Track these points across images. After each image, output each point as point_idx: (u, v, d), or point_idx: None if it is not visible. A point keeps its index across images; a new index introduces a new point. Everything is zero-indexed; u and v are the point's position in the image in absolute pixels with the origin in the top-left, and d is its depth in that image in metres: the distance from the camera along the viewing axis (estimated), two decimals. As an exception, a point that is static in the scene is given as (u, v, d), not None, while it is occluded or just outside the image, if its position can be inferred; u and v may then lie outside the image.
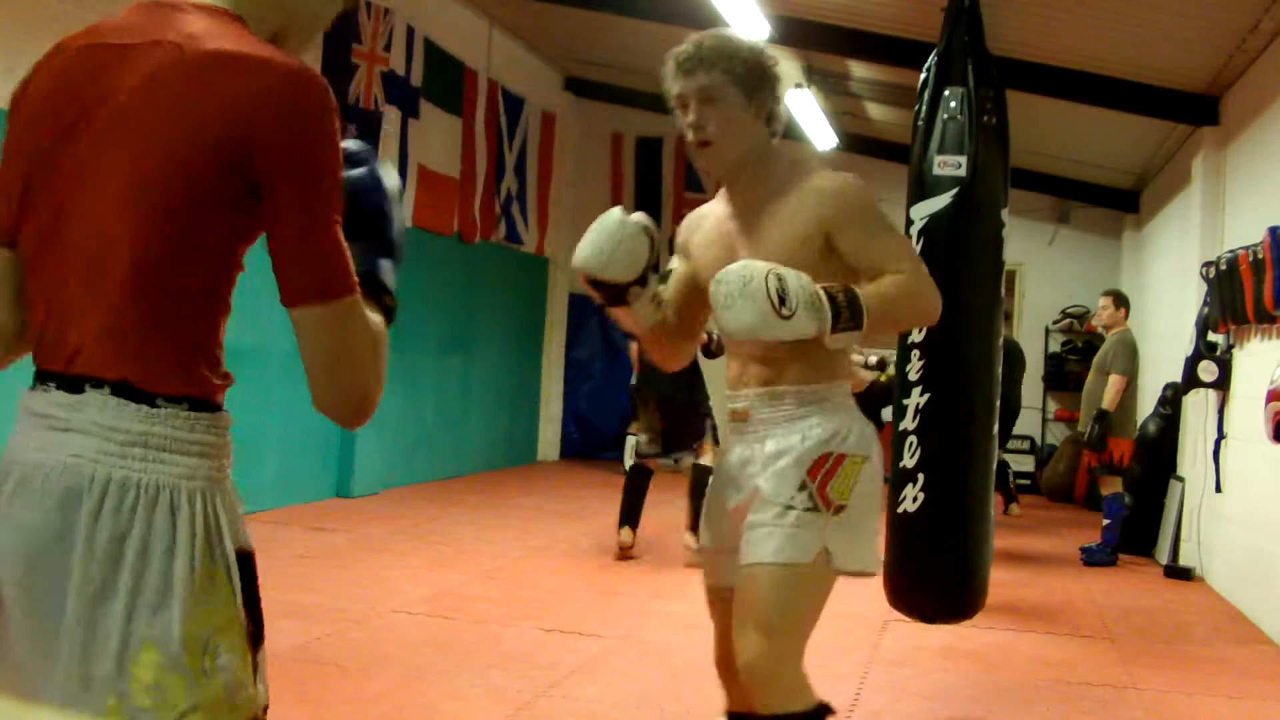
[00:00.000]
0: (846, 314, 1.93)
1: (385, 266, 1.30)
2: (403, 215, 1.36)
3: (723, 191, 2.21)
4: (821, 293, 1.92)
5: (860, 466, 2.09)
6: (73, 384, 1.17)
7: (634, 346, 6.00)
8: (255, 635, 1.21)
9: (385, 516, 6.93)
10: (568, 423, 11.19)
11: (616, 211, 2.10)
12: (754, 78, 2.08)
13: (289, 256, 1.15)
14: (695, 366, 5.73)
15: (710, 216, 2.26)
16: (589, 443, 11.04)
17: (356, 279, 1.18)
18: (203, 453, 1.19)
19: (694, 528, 5.60)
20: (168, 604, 1.13)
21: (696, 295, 2.23)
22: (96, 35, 1.24)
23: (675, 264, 2.34)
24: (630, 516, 5.97)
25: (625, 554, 5.98)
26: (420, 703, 3.51)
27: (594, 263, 2.06)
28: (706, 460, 5.80)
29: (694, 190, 11.40)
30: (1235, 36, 5.60)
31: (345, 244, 1.18)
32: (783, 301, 1.87)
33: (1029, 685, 4.12)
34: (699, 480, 5.68)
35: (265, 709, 1.23)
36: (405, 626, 4.39)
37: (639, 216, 2.11)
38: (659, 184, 11.50)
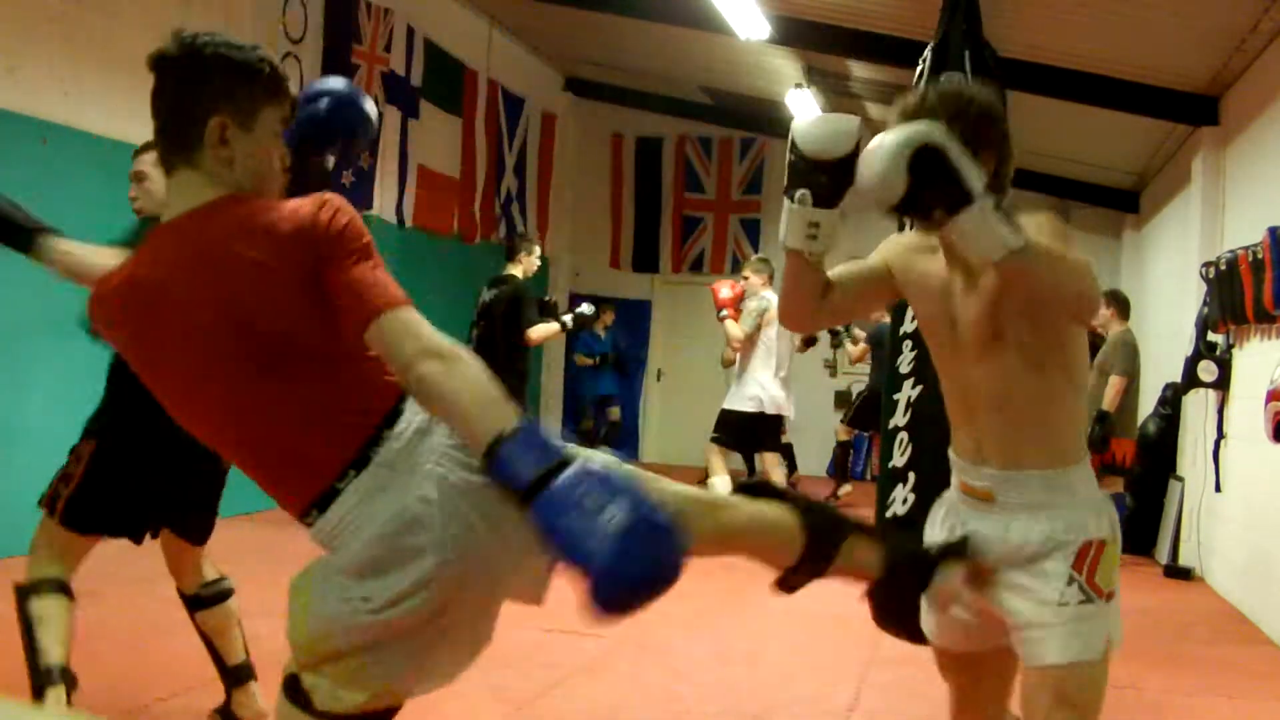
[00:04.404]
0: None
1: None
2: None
3: (939, 247, 2.08)
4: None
5: (1116, 550, 2.12)
6: None
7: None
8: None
9: (385, 516, 6.91)
10: (568, 422, 11.19)
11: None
12: (981, 131, 1.94)
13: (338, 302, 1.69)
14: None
15: (924, 259, 2.12)
16: (587, 442, 11.05)
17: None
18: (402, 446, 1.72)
19: None
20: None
21: (867, 295, 2.19)
22: None
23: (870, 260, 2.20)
24: None
25: None
26: (420, 702, 3.50)
27: (814, 133, 1.91)
28: None
29: (694, 191, 11.40)
30: (1235, 36, 5.60)
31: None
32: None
33: (1029, 685, 4.11)
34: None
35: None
36: (405, 626, 4.39)
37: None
38: (659, 184, 11.50)
